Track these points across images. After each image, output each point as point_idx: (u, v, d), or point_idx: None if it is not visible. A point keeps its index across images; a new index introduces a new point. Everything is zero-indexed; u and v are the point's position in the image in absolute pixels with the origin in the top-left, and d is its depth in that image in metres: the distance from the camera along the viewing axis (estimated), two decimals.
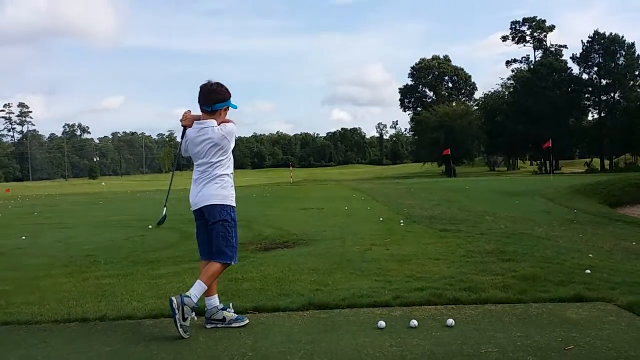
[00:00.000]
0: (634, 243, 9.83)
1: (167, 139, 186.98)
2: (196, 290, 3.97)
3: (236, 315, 4.15)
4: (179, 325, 3.80)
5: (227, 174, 4.17)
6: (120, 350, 3.67)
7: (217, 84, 4.12)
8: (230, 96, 4.17)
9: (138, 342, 3.82)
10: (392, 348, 3.51)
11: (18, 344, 3.90)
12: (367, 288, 5.13)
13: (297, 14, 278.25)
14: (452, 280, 5.32)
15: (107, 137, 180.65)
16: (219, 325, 4.08)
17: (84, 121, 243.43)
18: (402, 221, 11.36)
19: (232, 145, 4.16)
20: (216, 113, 4.10)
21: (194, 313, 3.99)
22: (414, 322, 3.96)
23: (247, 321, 4.13)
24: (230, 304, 4.26)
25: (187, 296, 3.90)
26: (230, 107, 4.19)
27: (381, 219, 12.08)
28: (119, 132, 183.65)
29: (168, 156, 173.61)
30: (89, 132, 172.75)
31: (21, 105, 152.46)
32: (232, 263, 4.17)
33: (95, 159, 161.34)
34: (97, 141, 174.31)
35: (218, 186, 4.09)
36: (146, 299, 5.07)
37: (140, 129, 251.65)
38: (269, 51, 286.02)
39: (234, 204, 4.20)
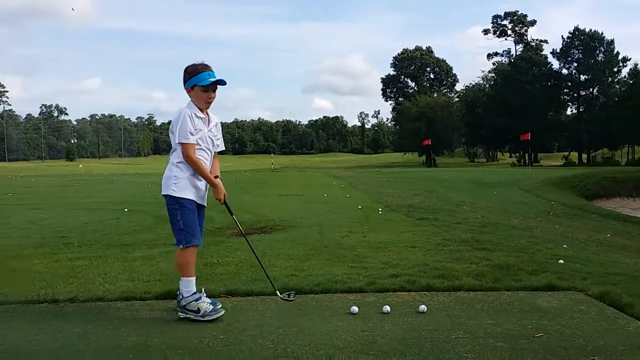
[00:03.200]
0: (608, 235, 10.01)
1: (146, 122, 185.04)
2: (181, 286, 3.92)
3: (209, 300, 4.04)
4: (203, 319, 3.78)
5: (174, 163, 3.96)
6: (90, 331, 3.62)
7: (187, 66, 3.99)
8: (194, 74, 3.91)
9: (108, 324, 3.76)
10: (364, 333, 3.51)
11: None
12: (342, 274, 5.13)
13: (279, 1, 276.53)
14: (426, 268, 5.35)
15: (85, 119, 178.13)
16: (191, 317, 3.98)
17: (61, 102, 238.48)
18: (380, 209, 11.39)
19: (176, 134, 3.87)
20: (189, 92, 3.97)
21: (201, 295, 3.94)
22: (387, 308, 3.97)
23: (221, 307, 4.01)
24: (202, 289, 4.21)
25: (181, 299, 3.89)
26: (199, 85, 3.89)
27: (360, 207, 12.10)
28: (97, 114, 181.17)
29: (147, 140, 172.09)
30: (67, 114, 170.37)
31: None
32: (181, 247, 3.97)
33: (72, 141, 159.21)
34: (74, 123, 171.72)
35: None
36: (119, 281, 5.02)
37: (119, 111, 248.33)
38: (250, 37, 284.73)
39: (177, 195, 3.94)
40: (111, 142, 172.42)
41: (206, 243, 7.29)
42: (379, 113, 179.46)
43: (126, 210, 12.05)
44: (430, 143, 58.88)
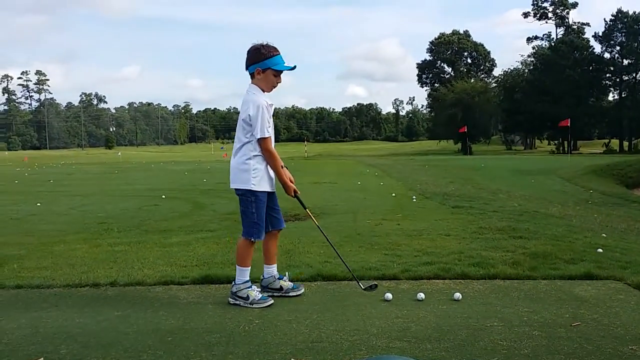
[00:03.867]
0: None
1: (182, 111, 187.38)
2: (237, 275, 3.98)
3: (292, 284, 4.15)
4: (251, 307, 3.83)
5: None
6: (130, 314, 3.72)
7: (256, 45, 3.87)
8: (269, 56, 3.83)
9: (147, 308, 3.87)
10: (397, 319, 3.52)
11: (29, 307, 3.97)
12: (376, 261, 5.14)
13: None
14: (461, 256, 5.31)
15: (123, 107, 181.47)
16: (275, 294, 4.06)
17: (100, 90, 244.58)
18: (414, 197, 11.33)
19: (256, 129, 3.81)
20: (253, 77, 3.91)
21: (284, 280, 4.10)
22: (421, 295, 3.96)
23: (303, 289, 4.13)
24: (287, 273, 4.25)
25: (233, 285, 3.96)
26: (272, 68, 3.84)
27: (394, 194, 12.06)
28: (135, 103, 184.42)
29: (183, 128, 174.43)
30: (106, 102, 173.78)
31: (39, 73, 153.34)
32: (252, 239, 3.98)
33: (111, 129, 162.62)
34: (113, 111, 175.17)
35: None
36: (157, 266, 5.13)
37: (156, 99, 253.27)
38: (283, 23, 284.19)
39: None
40: (148, 130, 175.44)
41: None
42: (413, 100, 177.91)
43: (163, 197, 12.30)
44: (466, 130, 57.99)
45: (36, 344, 3.17)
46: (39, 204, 11.21)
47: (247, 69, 3.94)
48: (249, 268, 4.01)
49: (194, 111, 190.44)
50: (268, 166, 3.94)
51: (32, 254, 5.87)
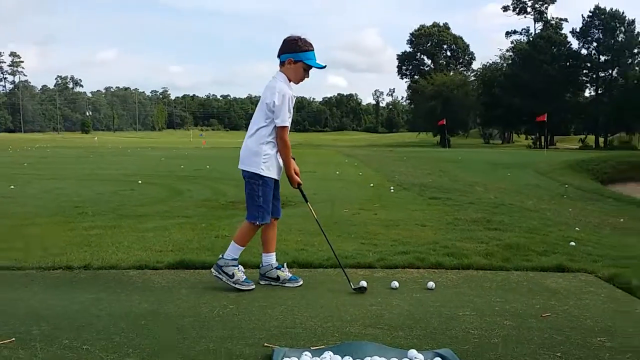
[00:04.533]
0: (622, 220, 9.93)
1: (160, 96, 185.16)
2: (229, 250, 3.99)
3: (290, 275, 4.11)
4: (233, 285, 3.85)
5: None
6: (103, 298, 3.69)
7: (294, 36, 3.94)
8: (305, 50, 3.89)
9: (121, 291, 3.84)
10: (372, 307, 3.54)
11: (0, 288, 3.91)
12: (352, 250, 5.17)
13: None
14: (436, 246, 5.37)
15: (100, 91, 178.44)
16: (272, 284, 4.05)
17: (76, 74, 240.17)
18: (392, 188, 11.40)
19: (279, 115, 3.85)
20: (284, 65, 3.92)
21: (283, 270, 4.09)
22: (395, 284, 4.00)
23: (301, 282, 4.08)
24: (285, 264, 4.23)
25: (220, 259, 3.95)
26: (305, 62, 3.89)
27: (372, 184, 12.12)
28: (112, 87, 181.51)
29: (162, 114, 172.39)
30: (82, 86, 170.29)
31: (13, 54, 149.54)
32: (257, 223, 4.00)
33: (87, 113, 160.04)
34: (89, 95, 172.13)
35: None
36: (132, 250, 5.09)
37: (134, 84, 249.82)
38: (264, 12, 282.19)
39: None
40: (126, 116, 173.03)
41: (218, 216, 7.41)
42: (394, 91, 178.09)
43: (140, 182, 12.18)
44: (445, 123, 58.40)
45: (8, 324, 3.12)
46: (12, 187, 11.01)
47: (279, 56, 3.96)
48: (243, 248, 4.03)
49: (173, 97, 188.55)
50: (278, 153, 3.95)
51: (3, 236, 5.77)
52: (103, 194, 10.07)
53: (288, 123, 3.88)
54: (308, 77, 4.00)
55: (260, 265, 4.17)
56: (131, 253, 4.96)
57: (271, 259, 4.15)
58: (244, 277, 3.94)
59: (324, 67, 3.99)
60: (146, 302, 3.59)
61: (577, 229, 7.15)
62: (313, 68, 3.96)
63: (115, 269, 4.44)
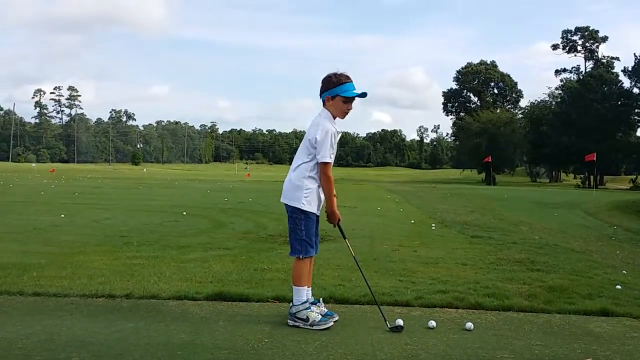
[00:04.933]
0: None
1: (209, 130, 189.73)
2: (294, 295, 4.00)
3: (326, 310, 4.05)
4: (314, 328, 3.84)
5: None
6: (142, 327, 3.77)
7: (329, 74, 3.99)
8: (339, 84, 3.93)
9: (160, 321, 3.92)
10: (407, 346, 3.50)
11: (45, 314, 4.05)
12: (390, 287, 5.13)
13: (342, 13, 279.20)
14: (476, 286, 5.26)
15: (151, 124, 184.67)
16: (300, 326, 3.91)
17: (130, 108, 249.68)
18: (433, 225, 11.28)
19: (321, 152, 3.89)
20: (325, 103, 4.01)
21: (318, 305, 4.06)
22: (432, 323, 3.94)
23: (337, 317, 4.02)
24: (321, 299, 4.22)
25: (291, 306, 3.97)
26: (341, 95, 3.92)
27: (412, 221, 12.02)
28: (163, 121, 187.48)
29: (209, 147, 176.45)
30: (134, 119, 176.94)
31: (71, 88, 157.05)
32: (300, 257, 4.00)
33: (138, 146, 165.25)
34: (141, 128, 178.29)
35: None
36: (173, 281, 5.20)
37: (184, 118, 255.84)
38: (311, 48, 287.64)
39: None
40: (174, 148, 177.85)
41: (259, 249, 7.49)
42: (438, 128, 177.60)
43: (185, 214, 12.44)
44: (490, 160, 57.57)
45: (49, 350, 3.24)
46: (62, 216, 11.43)
47: (320, 96, 4.04)
48: (305, 287, 4.02)
49: (220, 131, 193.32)
50: (320, 189, 4.00)
51: (52, 264, 5.99)
52: (148, 224, 10.33)
53: (330, 159, 3.92)
54: (351, 108, 4.03)
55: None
56: (172, 283, 5.07)
57: (308, 294, 4.15)
58: (319, 316, 3.91)
59: (364, 94, 4.00)
60: (183, 333, 3.65)
61: (624, 272, 6.88)
62: (356, 98, 3.99)
63: (156, 299, 4.53)
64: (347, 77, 3.96)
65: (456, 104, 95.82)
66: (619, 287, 5.42)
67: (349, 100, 3.96)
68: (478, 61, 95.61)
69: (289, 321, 3.94)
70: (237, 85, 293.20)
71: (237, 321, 3.95)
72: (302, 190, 3.94)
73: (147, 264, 6.07)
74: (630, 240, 13.40)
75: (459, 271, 6.16)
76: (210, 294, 4.62)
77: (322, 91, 4.00)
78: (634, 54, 71.34)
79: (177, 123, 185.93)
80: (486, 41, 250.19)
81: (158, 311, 4.19)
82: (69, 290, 4.69)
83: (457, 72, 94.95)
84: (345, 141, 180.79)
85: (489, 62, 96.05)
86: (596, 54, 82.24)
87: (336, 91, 3.93)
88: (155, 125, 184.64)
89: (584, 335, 3.83)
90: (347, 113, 4.03)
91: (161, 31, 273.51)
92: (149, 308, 4.27)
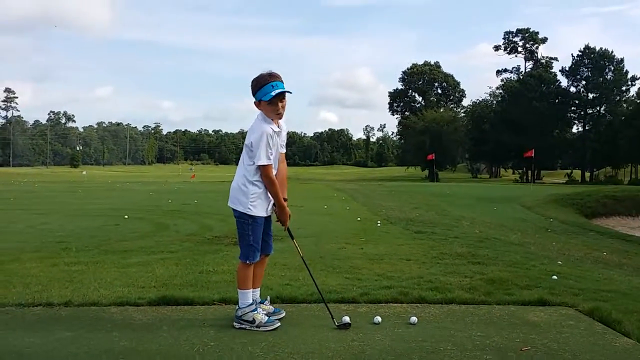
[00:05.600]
0: (604, 253, 10.01)
1: (152, 131, 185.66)
2: (240, 299, 3.96)
3: (273, 308, 4.10)
4: (261, 330, 3.80)
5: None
6: (82, 335, 3.65)
7: (254, 77, 3.88)
8: (261, 85, 3.81)
9: (101, 328, 3.80)
10: (354, 343, 3.53)
11: None
12: (337, 284, 5.16)
13: (291, 14, 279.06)
14: (420, 280, 5.38)
15: (91, 126, 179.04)
16: (246, 328, 3.87)
17: (70, 110, 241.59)
18: (379, 222, 11.42)
19: (257, 155, 3.84)
20: (258, 104, 3.90)
21: (265, 304, 4.03)
22: (378, 319, 4.00)
23: (284, 314, 4.08)
24: (268, 297, 4.20)
25: (237, 309, 3.93)
26: (263, 100, 3.81)
27: (359, 219, 12.14)
28: (104, 122, 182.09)
29: (152, 148, 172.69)
30: (74, 121, 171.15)
31: (7, 90, 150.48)
32: (248, 262, 3.96)
33: (78, 148, 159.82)
34: (81, 130, 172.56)
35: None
36: (114, 287, 5.05)
37: (127, 119, 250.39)
38: (259, 49, 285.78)
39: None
40: (116, 150, 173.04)
41: (204, 251, 7.38)
42: (384, 127, 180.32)
43: (126, 217, 12.12)
44: (434, 157, 58.94)
45: None
46: None
47: (253, 97, 3.94)
48: (251, 290, 3.99)
49: (164, 132, 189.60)
50: (267, 191, 3.96)
51: None
52: (88, 229, 10.00)
53: (267, 161, 3.85)
54: (282, 104, 3.89)
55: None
56: (113, 289, 4.92)
57: (256, 294, 4.13)
58: (266, 317, 3.89)
59: (284, 91, 3.84)
60: (126, 340, 3.55)
61: (559, 262, 7.19)
62: (284, 95, 3.86)
63: (96, 306, 4.39)
64: (270, 76, 3.84)
65: (401, 104, 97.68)
66: (555, 277, 5.65)
67: (272, 101, 3.84)
68: (422, 62, 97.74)
69: (235, 324, 3.90)
70: (182, 85, 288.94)
71: (181, 326, 3.88)
72: (247, 195, 3.91)
73: (87, 270, 5.87)
74: (565, 232, 14.01)
75: (404, 266, 6.27)
76: (154, 298, 4.51)
77: (253, 94, 3.92)
78: (572, 54, 74.72)
79: (119, 124, 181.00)
80: (430, 42, 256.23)
81: (99, 319, 4.06)
82: (3, 300, 4.48)
83: (403, 72, 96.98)
84: (293, 141, 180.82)
85: (433, 62, 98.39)
86: (536, 54, 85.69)
87: (258, 96, 3.85)
88: (96, 127, 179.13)
89: (522, 325, 3.97)
90: (279, 113, 3.91)
91: (103, 33, 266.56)
92: (89, 316, 4.13)
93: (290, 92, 3.87)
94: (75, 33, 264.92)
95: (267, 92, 3.80)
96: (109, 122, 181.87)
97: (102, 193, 24.31)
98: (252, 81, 3.90)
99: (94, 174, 76.94)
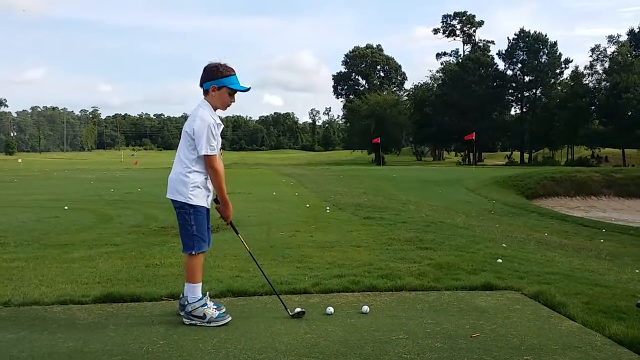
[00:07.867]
0: (546, 234, 10.40)
1: (90, 116, 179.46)
2: (188, 293, 3.85)
3: (215, 306, 3.95)
4: (212, 325, 3.72)
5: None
6: (25, 337, 3.49)
7: (214, 63, 3.86)
8: (227, 75, 3.83)
9: (44, 329, 3.64)
10: (307, 335, 3.53)
11: None
12: (288, 275, 5.15)
13: None
14: (371, 268, 5.43)
15: (26, 110, 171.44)
16: (197, 324, 3.80)
17: (1, 94, 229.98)
18: (328, 208, 11.47)
19: (201, 145, 3.75)
20: (208, 94, 3.84)
21: (206, 301, 3.87)
22: (330, 309, 4.00)
23: (230, 319, 3.84)
24: (207, 293, 4.05)
25: (187, 304, 3.81)
26: (228, 87, 3.83)
27: (308, 205, 12.14)
28: (39, 107, 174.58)
29: (91, 133, 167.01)
30: (7, 105, 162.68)
31: None
32: (193, 253, 3.87)
33: (12, 134, 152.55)
34: (14, 115, 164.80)
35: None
36: (56, 284, 4.86)
37: (62, 104, 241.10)
38: (198, 30, 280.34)
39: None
40: (53, 136, 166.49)
41: (149, 243, 7.20)
42: (330, 110, 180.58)
43: (66, 208, 11.68)
44: (379, 141, 59.61)
45: None
46: None
47: (201, 85, 3.89)
48: (200, 283, 3.90)
49: (103, 116, 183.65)
50: (208, 181, 3.88)
51: None
52: (26, 222, 9.57)
53: (212, 151, 3.79)
54: (234, 101, 3.95)
55: (182, 295, 3.99)
56: (55, 287, 4.73)
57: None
58: (217, 312, 3.82)
59: (248, 89, 3.96)
60: (71, 340, 3.42)
61: (503, 245, 7.42)
62: (238, 92, 3.93)
63: (38, 305, 4.20)
64: (233, 70, 3.89)
65: (345, 87, 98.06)
66: (499, 260, 5.83)
67: (234, 92, 3.89)
68: (365, 45, 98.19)
69: (184, 320, 3.81)
70: (120, 68, 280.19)
71: (128, 324, 3.76)
72: (187, 185, 3.81)
73: (27, 267, 5.62)
74: (507, 214, 14.49)
75: (354, 254, 6.32)
76: (99, 296, 4.35)
77: (208, 80, 3.85)
78: (508, 37, 76.64)
79: (54, 109, 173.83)
80: (372, 25, 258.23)
81: (42, 319, 3.88)
82: None
83: (345, 55, 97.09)
84: (238, 125, 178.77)
85: (375, 46, 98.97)
86: (473, 37, 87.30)
87: (224, 82, 3.82)
88: (30, 111, 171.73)
89: (471, 310, 4.07)
90: (229, 105, 3.94)
91: (33, 10, 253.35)
92: (31, 316, 3.95)
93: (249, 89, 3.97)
94: (2, 9, 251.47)
95: (235, 82, 3.85)
96: (43, 107, 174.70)
97: (40, 182, 23.33)
98: (212, 67, 3.85)
99: (30, 162, 73.67)
